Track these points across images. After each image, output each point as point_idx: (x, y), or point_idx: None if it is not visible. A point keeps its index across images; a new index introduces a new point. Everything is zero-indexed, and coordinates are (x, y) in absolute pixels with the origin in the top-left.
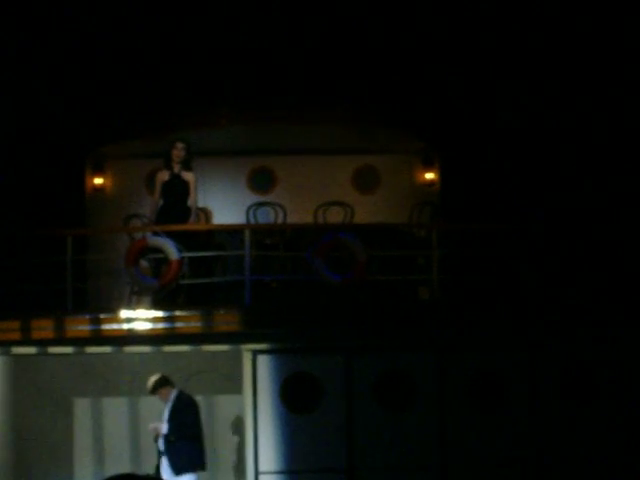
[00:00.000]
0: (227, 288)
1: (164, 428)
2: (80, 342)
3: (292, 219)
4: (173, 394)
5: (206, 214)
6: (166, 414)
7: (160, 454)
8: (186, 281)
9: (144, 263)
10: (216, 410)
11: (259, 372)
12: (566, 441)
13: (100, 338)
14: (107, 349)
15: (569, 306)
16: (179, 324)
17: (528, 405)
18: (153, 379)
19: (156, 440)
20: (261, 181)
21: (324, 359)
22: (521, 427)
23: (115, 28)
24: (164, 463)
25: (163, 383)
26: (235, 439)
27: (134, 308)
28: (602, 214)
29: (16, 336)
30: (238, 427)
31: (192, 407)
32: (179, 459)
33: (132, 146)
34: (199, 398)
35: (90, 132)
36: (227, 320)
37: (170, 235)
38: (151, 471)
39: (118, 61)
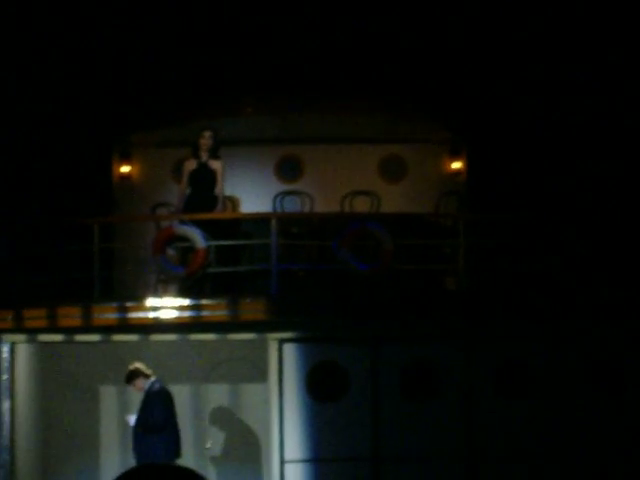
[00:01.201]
0: (253, 277)
1: (132, 420)
2: (107, 330)
3: (319, 208)
4: (145, 385)
5: (233, 203)
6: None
7: None
8: (212, 270)
9: (171, 251)
10: (242, 399)
11: (285, 361)
12: (592, 430)
13: (126, 326)
14: (133, 337)
15: (598, 297)
16: (205, 312)
17: (555, 395)
18: (128, 370)
19: None
20: (288, 170)
21: (350, 348)
22: (548, 417)
23: (144, 17)
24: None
25: (136, 374)
26: (260, 428)
27: (160, 296)
28: (632, 204)
29: (43, 324)
30: (263, 416)
31: (161, 399)
32: (145, 452)
33: (159, 134)
34: (225, 386)
35: (117, 120)
36: (253, 309)
37: (197, 224)
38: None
39: (146, 50)
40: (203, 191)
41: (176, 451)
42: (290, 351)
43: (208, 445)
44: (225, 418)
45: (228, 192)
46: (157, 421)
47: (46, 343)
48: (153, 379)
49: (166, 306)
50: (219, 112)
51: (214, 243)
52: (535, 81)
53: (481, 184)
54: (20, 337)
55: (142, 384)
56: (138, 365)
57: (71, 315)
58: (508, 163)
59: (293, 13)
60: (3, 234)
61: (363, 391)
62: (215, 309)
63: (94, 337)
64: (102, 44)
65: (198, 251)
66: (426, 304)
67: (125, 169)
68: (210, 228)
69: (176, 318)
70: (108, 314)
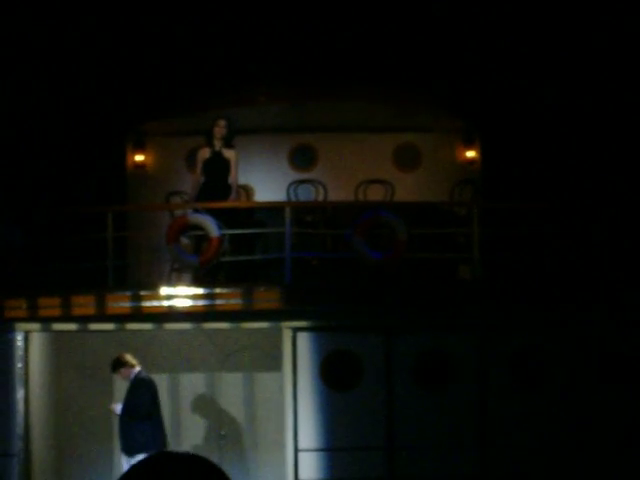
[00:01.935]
0: (267, 265)
1: (118, 408)
2: (120, 319)
3: (333, 197)
4: (132, 374)
5: (247, 191)
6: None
7: None
8: (226, 258)
9: (185, 240)
10: (256, 388)
11: (299, 350)
12: (607, 419)
13: (140, 315)
14: (147, 326)
15: (613, 285)
16: (219, 301)
17: (570, 384)
18: (114, 358)
19: None
20: (302, 158)
21: (364, 337)
22: (562, 405)
23: (157, 7)
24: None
25: (121, 363)
26: (274, 416)
27: (174, 285)
28: None
29: (57, 312)
30: (278, 404)
31: (146, 387)
32: (131, 440)
33: (173, 123)
34: (239, 375)
35: (131, 109)
36: (267, 297)
37: (211, 212)
38: (188, 447)
39: (160, 39)
40: (217, 180)
41: (163, 441)
42: (304, 340)
43: (222, 433)
44: (239, 407)
45: (242, 181)
46: (143, 409)
47: (60, 332)
48: (138, 369)
49: (180, 295)
50: (233, 101)
51: (228, 232)
52: (548, 68)
53: (495, 173)
54: (34, 326)
55: (127, 373)
56: (123, 354)
57: (85, 304)
58: (522, 151)
59: (307, 2)
60: (17, 223)
61: (377, 380)
62: (229, 298)
63: (108, 326)
64: (116, 33)
65: (212, 240)
66: (440, 293)
67: (139, 158)
68: (224, 217)
69: (190, 307)
70: (122, 303)
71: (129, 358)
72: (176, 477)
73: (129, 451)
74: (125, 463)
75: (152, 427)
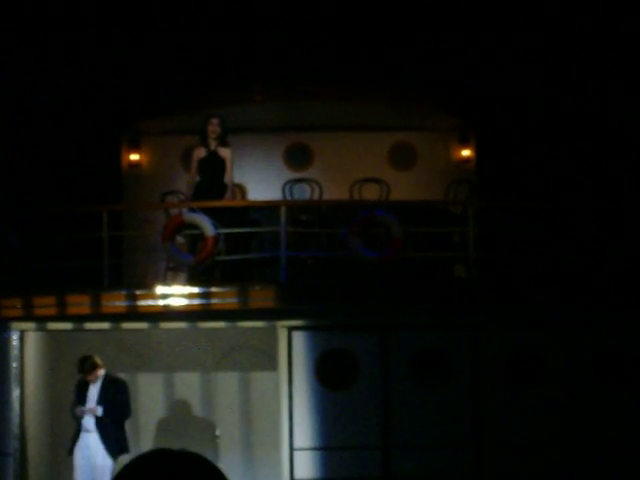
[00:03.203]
0: (263, 264)
1: (99, 410)
2: (116, 318)
3: (328, 196)
4: (101, 374)
5: (242, 190)
6: (94, 395)
7: (78, 433)
8: (222, 257)
9: (180, 239)
10: (251, 387)
11: (294, 349)
12: (601, 419)
13: (136, 314)
14: (143, 325)
15: (609, 284)
16: (215, 300)
17: (565, 384)
18: (81, 359)
19: (77, 419)
20: (297, 157)
21: (360, 336)
22: (557, 405)
23: (153, 5)
24: (88, 442)
25: (95, 365)
26: (270, 415)
27: (170, 284)
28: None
29: (52, 312)
30: (273, 403)
31: (127, 388)
32: (114, 441)
33: (168, 122)
34: (234, 374)
35: (126, 108)
36: (263, 296)
37: (206, 211)
38: (183, 446)
39: (155, 37)
40: (212, 179)
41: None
42: (299, 339)
43: (217, 433)
44: (234, 406)
45: (237, 180)
46: (127, 410)
47: (55, 331)
48: (104, 370)
49: (175, 294)
50: (228, 100)
51: (223, 231)
52: (544, 67)
53: (490, 171)
54: (29, 325)
55: (98, 374)
56: (92, 355)
57: (80, 303)
58: (517, 150)
59: (302, 1)
60: (12, 222)
61: (372, 379)
62: (224, 297)
63: (103, 325)
64: (111, 32)
65: (207, 239)
66: (435, 292)
67: (134, 157)
68: (219, 216)
69: (185, 306)
70: (117, 302)
71: (98, 359)
72: (174, 474)
73: (113, 453)
74: (110, 464)
75: (124, 430)
